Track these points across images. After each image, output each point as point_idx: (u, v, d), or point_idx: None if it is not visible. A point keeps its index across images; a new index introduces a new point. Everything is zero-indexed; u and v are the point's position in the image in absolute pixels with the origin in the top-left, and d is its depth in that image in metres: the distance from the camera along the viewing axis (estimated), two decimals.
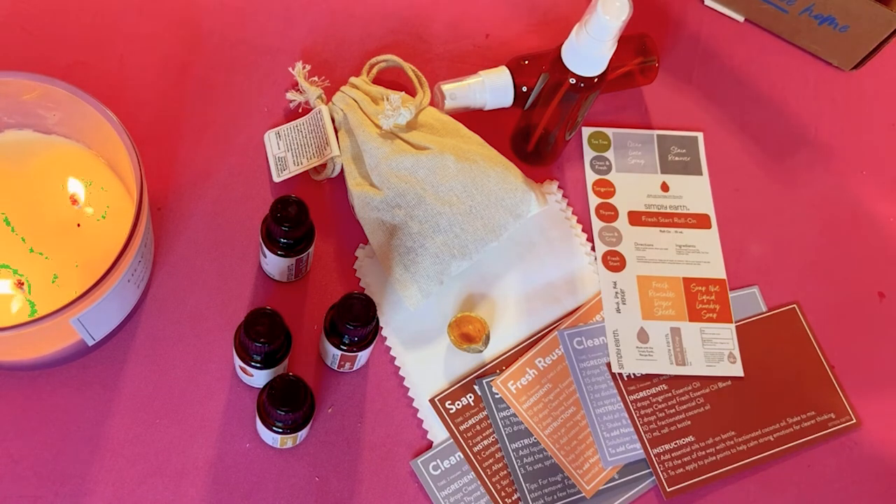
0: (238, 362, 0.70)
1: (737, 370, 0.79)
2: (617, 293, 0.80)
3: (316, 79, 0.83)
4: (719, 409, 0.78)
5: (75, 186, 0.73)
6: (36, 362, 0.71)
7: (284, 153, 0.80)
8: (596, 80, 0.73)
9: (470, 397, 0.76)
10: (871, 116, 0.91)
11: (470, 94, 0.81)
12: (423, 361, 0.77)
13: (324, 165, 0.80)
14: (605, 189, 0.85)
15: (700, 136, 0.88)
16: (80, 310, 0.64)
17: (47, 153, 0.74)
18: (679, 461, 0.76)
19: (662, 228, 0.84)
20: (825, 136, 0.90)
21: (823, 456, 0.78)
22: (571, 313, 0.80)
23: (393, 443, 0.74)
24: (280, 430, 0.68)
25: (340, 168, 0.80)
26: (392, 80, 0.84)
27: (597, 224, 0.83)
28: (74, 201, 0.73)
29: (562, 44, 0.73)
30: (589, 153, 0.86)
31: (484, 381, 0.76)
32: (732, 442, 0.77)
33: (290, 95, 0.82)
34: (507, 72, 0.82)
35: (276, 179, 0.80)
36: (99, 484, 0.70)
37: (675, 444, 0.76)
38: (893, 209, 0.88)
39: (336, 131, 0.80)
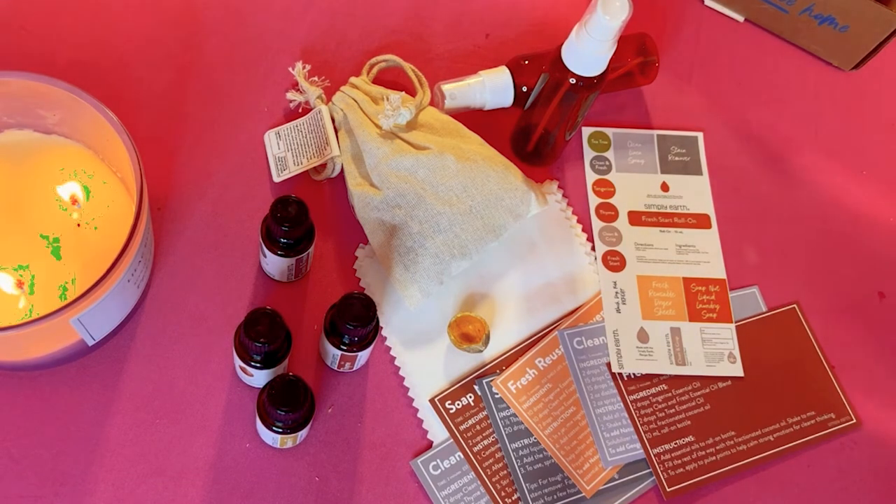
0: (238, 362, 0.70)
1: (737, 370, 0.79)
2: (617, 293, 0.81)
3: (316, 79, 0.83)
4: (719, 409, 0.78)
5: (75, 187, 0.73)
6: (36, 362, 0.71)
7: (284, 153, 0.80)
8: (596, 80, 0.73)
9: (470, 397, 0.76)
10: (871, 116, 0.91)
11: (470, 94, 0.81)
12: (423, 361, 0.77)
13: (324, 165, 0.80)
14: (605, 189, 0.85)
15: (700, 136, 0.88)
16: (80, 310, 0.64)
17: (47, 153, 0.74)
18: (679, 461, 0.76)
19: (662, 228, 0.84)
20: (825, 136, 0.90)
21: (823, 456, 0.78)
22: (571, 313, 0.80)
23: (393, 443, 0.74)
24: (280, 430, 0.68)
25: (340, 168, 0.80)
26: (392, 80, 0.84)
27: (597, 224, 0.83)
28: (74, 201, 0.73)
29: (562, 44, 0.73)
30: (589, 153, 0.86)
31: (484, 381, 0.76)
32: (732, 442, 0.77)
33: (290, 95, 0.82)
34: (507, 72, 0.82)
35: (276, 179, 0.80)
36: (99, 484, 0.70)
37: (675, 444, 0.76)
38: (893, 209, 0.88)
39: (336, 131, 0.80)
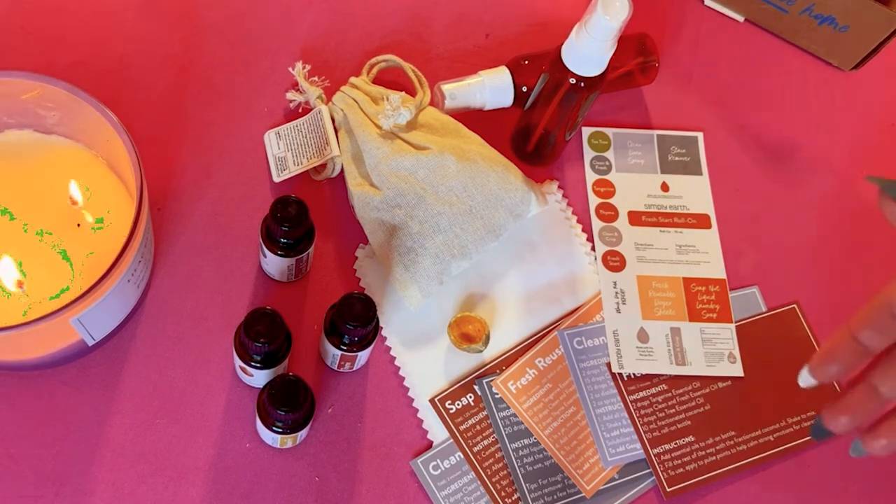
0: (238, 362, 0.70)
1: (737, 370, 0.79)
2: (617, 293, 0.81)
3: (316, 79, 0.83)
4: (719, 409, 0.78)
5: (75, 187, 0.73)
6: (36, 362, 0.71)
7: (284, 153, 0.80)
8: (596, 80, 0.73)
9: (470, 397, 0.76)
10: (871, 116, 0.91)
11: (470, 94, 0.81)
12: (423, 361, 0.77)
13: (324, 165, 0.80)
14: (605, 189, 0.85)
15: (700, 136, 0.88)
16: (80, 310, 0.64)
17: (47, 153, 0.74)
18: (679, 461, 0.76)
19: (662, 228, 0.84)
20: (825, 136, 0.90)
21: (823, 456, 0.78)
22: (571, 313, 0.80)
23: (393, 443, 0.74)
24: (280, 430, 0.68)
25: (340, 168, 0.80)
26: (392, 80, 0.84)
27: (597, 224, 0.83)
28: (74, 201, 0.73)
29: (562, 44, 0.73)
30: (589, 153, 0.86)
31: (484, 381, 0.76)
32: (732, 442, 0.77)
33: (290, 95, 0.82)
34: (507, 72, 0.82)
35: (276, 179, 0.80)
36: (99, 484, 0.70)
37: (675, 444, 0.76)
38: None
39: (336, 131, 0.80)
